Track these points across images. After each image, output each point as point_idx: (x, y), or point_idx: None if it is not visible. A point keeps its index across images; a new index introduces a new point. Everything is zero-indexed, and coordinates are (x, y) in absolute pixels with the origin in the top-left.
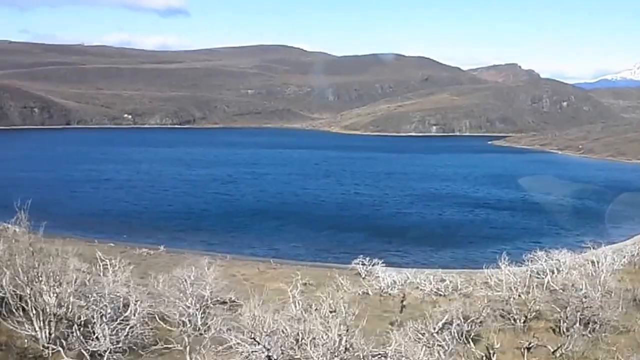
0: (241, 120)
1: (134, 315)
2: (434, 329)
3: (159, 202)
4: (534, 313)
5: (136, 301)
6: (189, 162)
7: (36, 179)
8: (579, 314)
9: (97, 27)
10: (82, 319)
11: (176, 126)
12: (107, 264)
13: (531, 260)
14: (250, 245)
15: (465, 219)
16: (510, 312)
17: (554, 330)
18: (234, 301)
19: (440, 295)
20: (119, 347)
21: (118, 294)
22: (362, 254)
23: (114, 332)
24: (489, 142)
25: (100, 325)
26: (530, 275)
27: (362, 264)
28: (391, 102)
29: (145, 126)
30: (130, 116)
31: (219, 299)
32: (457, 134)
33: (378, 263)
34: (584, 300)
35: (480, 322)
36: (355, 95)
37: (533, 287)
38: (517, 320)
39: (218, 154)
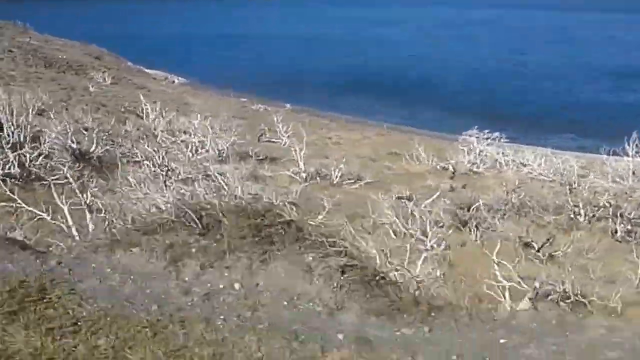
0: None
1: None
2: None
3: (339, 64)
4: (600, 210)
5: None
6: (413, 22)
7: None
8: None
9: None
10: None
11: None
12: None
13: None
14: (385, 112)
15: None
16: (572, 205)
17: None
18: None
19: (540, 180)
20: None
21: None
22: (501, 130)
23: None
24: None
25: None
26: None
27: (471, 136)
28: None
29: None
30: None
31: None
32: None
33: (498, 138)
34: None
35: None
36: None
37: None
38: (580, 216)
39: (459, 14)
